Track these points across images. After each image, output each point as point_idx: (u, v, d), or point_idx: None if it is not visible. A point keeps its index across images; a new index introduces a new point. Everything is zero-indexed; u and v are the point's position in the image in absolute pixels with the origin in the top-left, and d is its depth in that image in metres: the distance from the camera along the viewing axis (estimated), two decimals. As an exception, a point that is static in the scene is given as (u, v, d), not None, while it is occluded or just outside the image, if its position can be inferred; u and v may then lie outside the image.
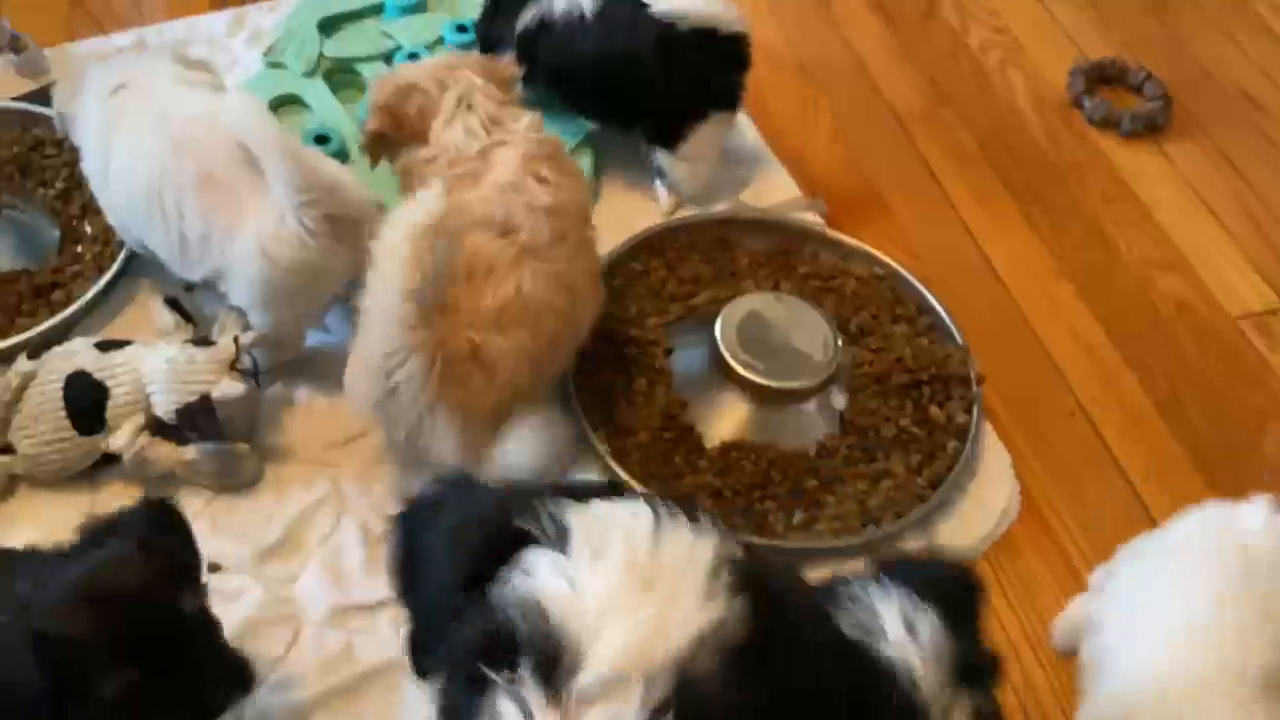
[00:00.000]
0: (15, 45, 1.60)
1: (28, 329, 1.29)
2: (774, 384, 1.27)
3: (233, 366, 1.19)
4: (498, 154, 1.22)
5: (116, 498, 1.20)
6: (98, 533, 0.86)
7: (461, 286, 1.12)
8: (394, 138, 1.29)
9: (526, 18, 1.47)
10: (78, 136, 1.31)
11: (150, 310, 1.35)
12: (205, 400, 1.16)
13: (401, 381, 1.08)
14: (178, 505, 0.89)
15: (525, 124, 1.25)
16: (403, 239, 1.03)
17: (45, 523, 1.17)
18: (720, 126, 1.50)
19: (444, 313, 1.10)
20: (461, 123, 1.24)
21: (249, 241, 1.16)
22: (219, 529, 1.19)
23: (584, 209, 1.25)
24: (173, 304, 1.32)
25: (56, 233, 1.41)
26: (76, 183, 1.44)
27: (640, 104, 1.48)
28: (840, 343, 1.32)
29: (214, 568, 1.16)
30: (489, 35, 1.54)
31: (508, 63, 1.36)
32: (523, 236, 1.15)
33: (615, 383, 1.33)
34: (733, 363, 1.28)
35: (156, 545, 0.84)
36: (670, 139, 1.49)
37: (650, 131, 1.51)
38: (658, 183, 1.55)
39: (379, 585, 1.14)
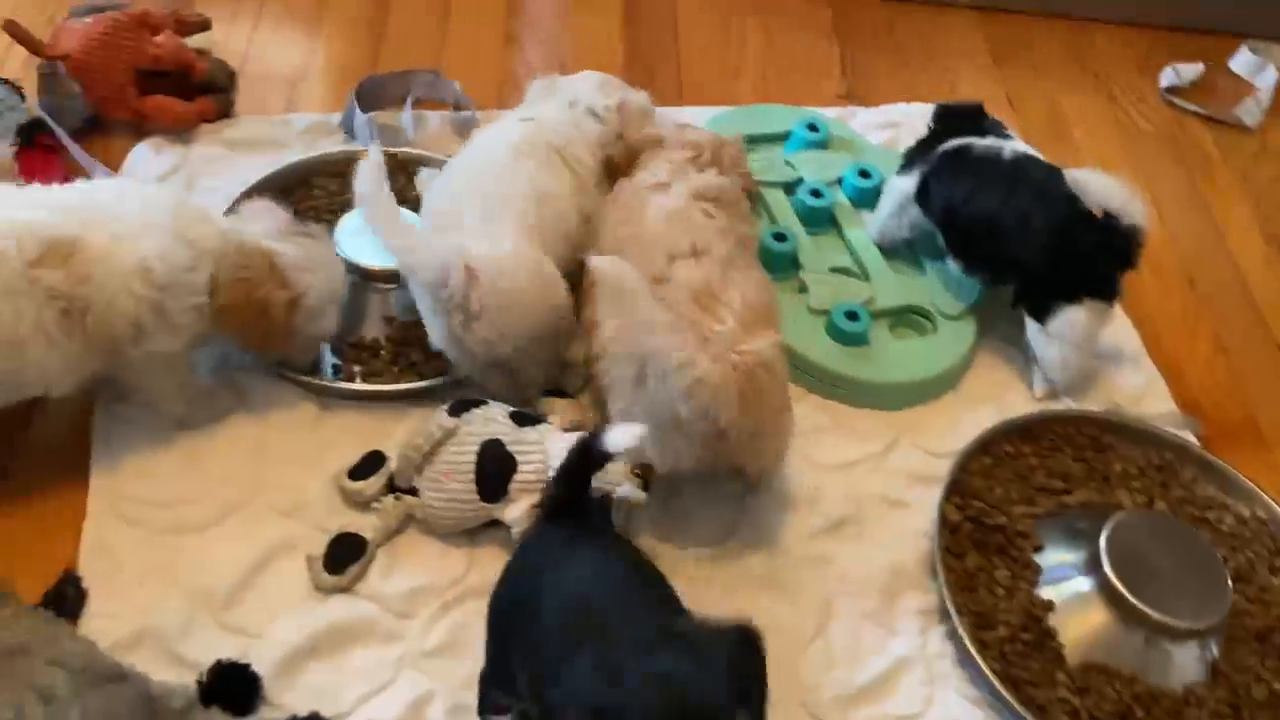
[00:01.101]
0: (459, 104, 1.73)
1: (444, 372, 1.38)
2: (1161, 617, 1.22)
3: (633, 470, 1.23)
4: (671, 187, 1.36)
5: (493, 559, 1.25)
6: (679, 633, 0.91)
7: (699, 315, 1.22)
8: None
9: (952, 143, 1.52)
10: None
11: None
12: (606, 498, 1.20)
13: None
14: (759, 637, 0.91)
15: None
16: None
17: (424, 567, 1.24)
18: (1094, 315, 1.47)
19: (703, 346, 1.18)
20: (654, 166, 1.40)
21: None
22: (582, 616, 1.22)
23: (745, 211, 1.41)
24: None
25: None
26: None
27: (1018, 265, 1.48)
28: (1231, 587, 1.26)
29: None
30: (910, 159, 1.59)
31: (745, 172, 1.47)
32: (716, 253, 1.27)
33: (980, 567, 1.30)
34: (1116, 582, 1.23)
35: (742, 670, 0.87)
36: (1040, 311, 1.47)
37: (1020, 295, 1.50)
38: (1035, 366, 1.53)
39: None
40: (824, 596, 1.28)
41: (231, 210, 1.44)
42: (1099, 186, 1.43)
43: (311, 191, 1.58)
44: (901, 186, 1.56)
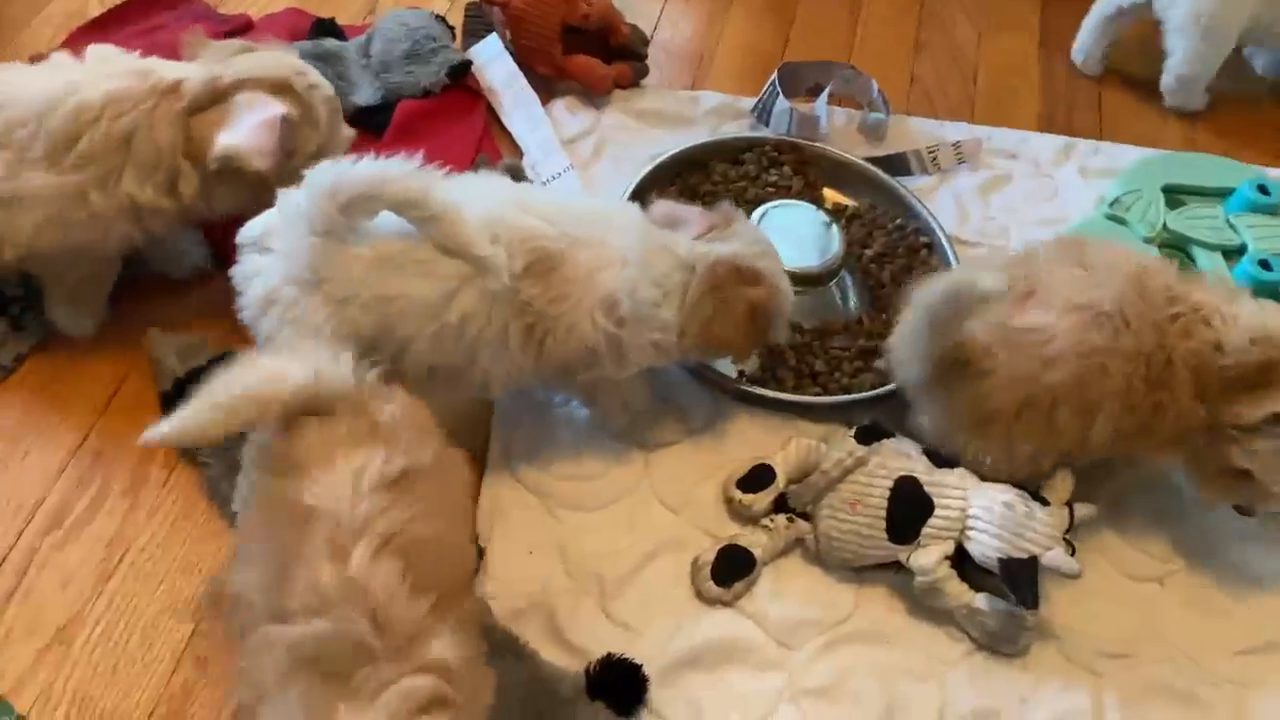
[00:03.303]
0: (872, 105, 1.64)
1: (849, 389, 1.31)
2: None
3: (1064, 537, 1.12)
4: None
5: (882, 602, 1.17)
6: None
7: None
8: None
9: None
10: None
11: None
12: (1033, 561, 1.09)
13: None
14: None
15: None
16: None
17: (809, 597, 1.17)
18: None
19: None
20: None
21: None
22: (974, 684, 1.12)
23: None
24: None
25: (855, 297, 1.42)
26: (896, 249, 1.46)
27: None
28: None
29: (965, 730, 1.10)
30: None
31: None
32: None
33: None
34: None
35: None
36: None
37: None
38: None
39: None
40: (1239, 727, 1.13)
41: (636, 196, 1.40)
42: None
43: (710, 176, 1.53)
44: None
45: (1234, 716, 1.13)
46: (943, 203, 1.56)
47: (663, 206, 1.26)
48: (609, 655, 1.06)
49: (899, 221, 1.49)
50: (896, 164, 1.58)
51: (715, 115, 1.64)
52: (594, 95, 1.62)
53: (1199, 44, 1.66)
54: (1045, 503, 1.14)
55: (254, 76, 1.18)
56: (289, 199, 1.04)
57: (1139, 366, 1.12)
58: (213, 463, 1.18)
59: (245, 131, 1.15)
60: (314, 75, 1.23)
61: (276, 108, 1.16)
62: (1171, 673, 1.15)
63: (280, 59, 1.22)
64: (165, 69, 1.18)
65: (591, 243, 1.11)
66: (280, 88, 1.19)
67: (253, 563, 0.88)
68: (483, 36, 1.62)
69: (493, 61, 1.59)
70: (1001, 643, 1.14)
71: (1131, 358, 1.12)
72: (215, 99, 1.17)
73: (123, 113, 1.13)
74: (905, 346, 1.17)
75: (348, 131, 1.29)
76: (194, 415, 0.89)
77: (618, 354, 1.14)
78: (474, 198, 1.07)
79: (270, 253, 1.05)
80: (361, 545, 0.83)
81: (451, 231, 1.03)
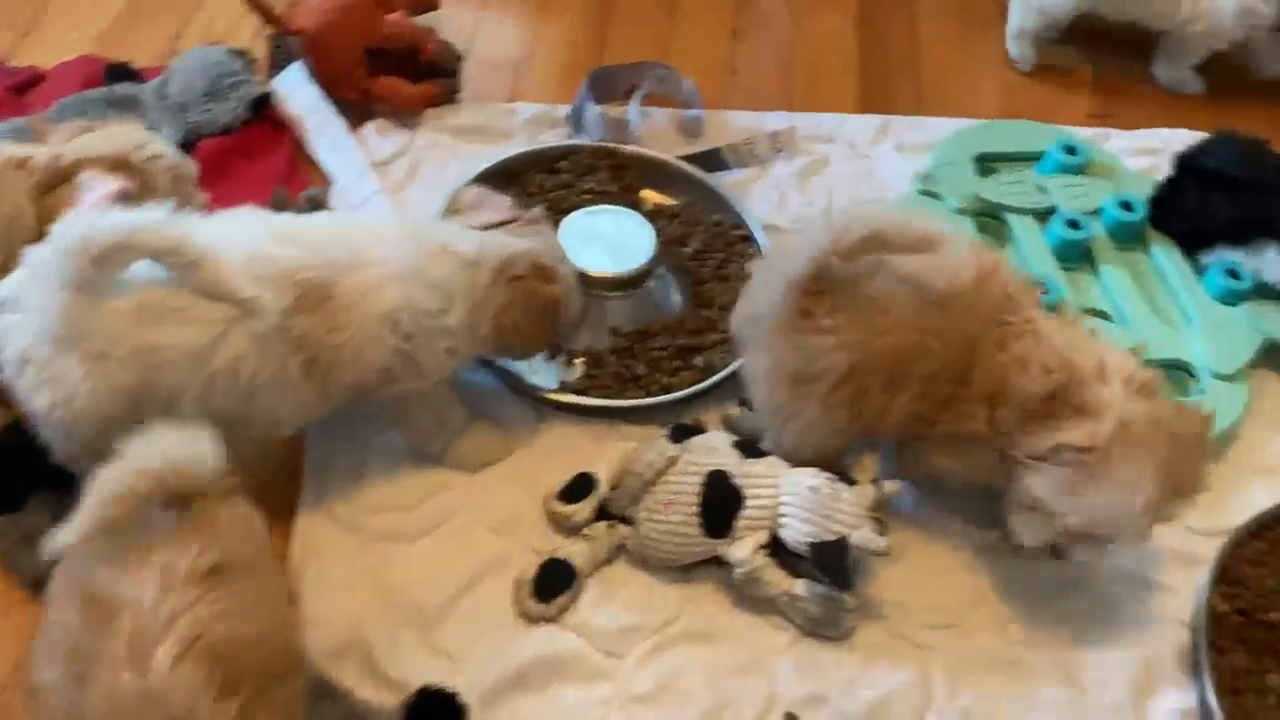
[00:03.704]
0: (688, 103, 1.64)
1: (669, 389, 1.31)
2: None
3: (873, 514, 1.13)
4: None
5: (709, 598, 1.18)
6: None
7: None
8: None
9: None
10: None
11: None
12: (842, 543, 1.11)
13: None
14: None
15: None
16: None
17: (635, 603, 1.17)
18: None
19: None
20: None
21: None
22: (800, 672, 1.13)
23: None
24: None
25: (677, 295, 1.42)
26: (715, 245, 1.46)
27: None
28: None
29: (791, 717, 1.10)
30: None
31: None
32: None
33: (1248, 668, 1.15)
34: None
35: None
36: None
37: None
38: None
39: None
40: (1064, 687, 1.15)
41: (449, 207, 1.39)
42: None
43: (527, 188, 1.52)
44: None
45: (1059, 676, 1.15)
46: (762, 193, 1.57)
47: (471, 192, 1.27)
48: (425, 687, 1.05)
49: (716, 218, 1.50)
50: (712, 160, 1.58)
51: (533, 125, 1.63)
52: (405, 116, 1.60)
53: None
54: (854, 483, 1.16)
55: (92, 155, 1.18)
56: (37, 255, 1.01)
57: (951, 355, 1.13)
58: (10, 530, 1.15)
59: (84, 212, 1.11)
60: (155, 147, 1.22)
61: (112, 184, 1.15)
62: (995, 639, 1.17)
63: (120, 135, 1.22)
64: (7, 147, 1.18)
65: (364, 264, 1.10)
66: (118, 164, 1.18)
67: (55, 658, 0.85)
68: (285, 67, 1.60)
69: (295, 91, 1.56)
70: (824, 627, 1.15)
71: (950, 346, 1.13)
72: (62, 178, 1.17)
73: (3, 194, 1.13)
74: (780, 264, 1.15)
75: (201, 196, 1.28)
76: (91, 517, 0.86)
77: (413, 368, 1.13)
78: (232, 237, 1.05)
79: (23, 312, 1.02)
80: (163, 649, 0.81)
81: (212, 276, 1.00)
